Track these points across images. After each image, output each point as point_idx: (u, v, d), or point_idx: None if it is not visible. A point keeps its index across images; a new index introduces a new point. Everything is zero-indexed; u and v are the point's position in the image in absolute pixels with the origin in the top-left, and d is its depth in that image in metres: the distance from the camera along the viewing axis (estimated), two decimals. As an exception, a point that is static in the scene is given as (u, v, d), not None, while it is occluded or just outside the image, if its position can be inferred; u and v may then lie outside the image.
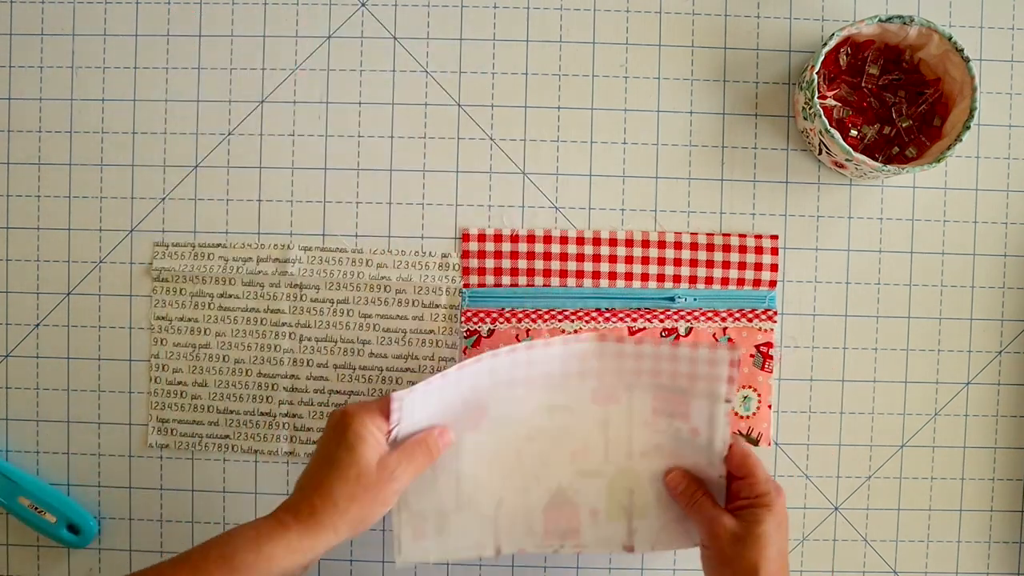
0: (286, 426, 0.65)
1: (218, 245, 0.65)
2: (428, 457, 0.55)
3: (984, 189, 0.65)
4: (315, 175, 0.65)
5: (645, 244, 0.64)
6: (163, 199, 0.65)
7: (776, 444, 0.65)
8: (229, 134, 0.65)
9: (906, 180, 0.65)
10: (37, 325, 0.65)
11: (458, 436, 0.58)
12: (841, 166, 0.63)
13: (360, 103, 0.65)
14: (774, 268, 0.64)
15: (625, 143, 0.65)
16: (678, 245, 0.64)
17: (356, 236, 0.65)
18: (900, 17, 0.59)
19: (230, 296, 0.65)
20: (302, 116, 0.65)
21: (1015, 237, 0.65)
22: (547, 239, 0.64)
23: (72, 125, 0.65)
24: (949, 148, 0.59)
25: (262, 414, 0.65)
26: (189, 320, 0.65)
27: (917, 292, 0.65)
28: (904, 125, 0.63)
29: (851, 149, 0.59)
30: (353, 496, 0.51)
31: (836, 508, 0.66)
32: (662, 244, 0.64)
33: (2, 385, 0.66)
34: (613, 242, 0.64)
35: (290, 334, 0.65)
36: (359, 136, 0.65)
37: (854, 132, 0.63)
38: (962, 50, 0.59)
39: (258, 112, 0.65)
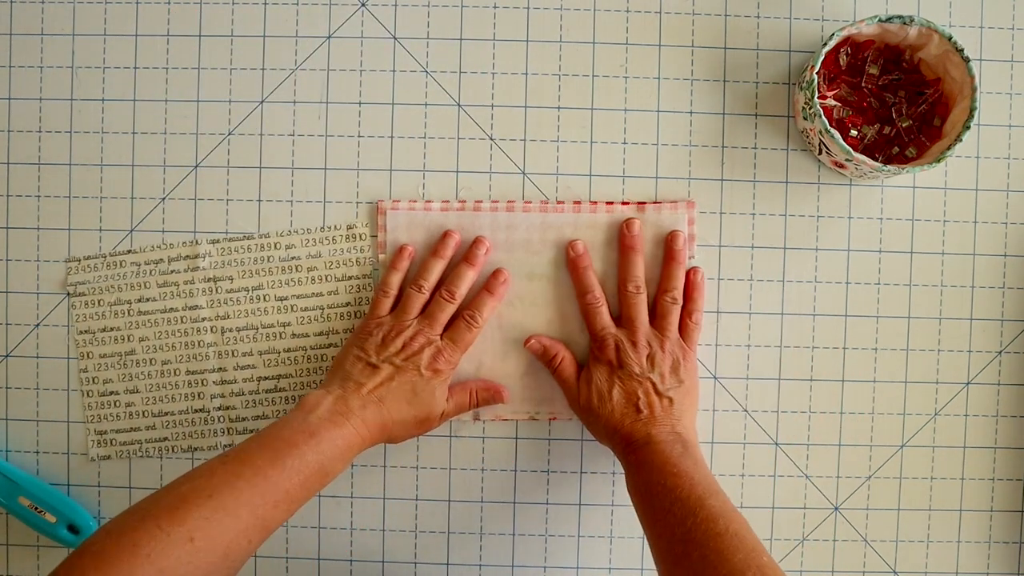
0: (221, 419, 0.65)
1: (128, 251, 0.65)
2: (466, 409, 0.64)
3: (984, 189, 0.65)
4: (315, 175, 0.65)
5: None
6: (163, 199, 0.65)
7: (776, 444, 0.65)
8: (229, 134, 0.65)
9: (906, 180, 0.65)
10: (37, 325, 0.65)
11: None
12: (841, 166, 0.63)
13: (360, 103, 0.65)
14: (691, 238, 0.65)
15: (625, 143, 0.65)
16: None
17: (356, 236, 0.65)
18: (900, 17, 0.59)
19: (147, 300, 0.65)
20: (302, 116, 0.65)
21: (1015, 237, 0.65)
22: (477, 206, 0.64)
23: (72, 125, 0.65)
24: (949, 148, 0.59)
25: (196, 411, 0.65)
26: (112, 330, 0.65)
27: (917, 292, 0.65)
28: (904, 125, 0.63)
29: (851, 149, 0.59)
30: (421, 430, 0.61)
31: (836, 508, 0.66)
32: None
33: (2, 385, 0.66)
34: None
35: (211, 328, 0.65)
36: (359, 136, 0.65)
37: (854, 132, 0.63)
38: (962, 50, 0.59)
39: (258, 112, 0.65)
